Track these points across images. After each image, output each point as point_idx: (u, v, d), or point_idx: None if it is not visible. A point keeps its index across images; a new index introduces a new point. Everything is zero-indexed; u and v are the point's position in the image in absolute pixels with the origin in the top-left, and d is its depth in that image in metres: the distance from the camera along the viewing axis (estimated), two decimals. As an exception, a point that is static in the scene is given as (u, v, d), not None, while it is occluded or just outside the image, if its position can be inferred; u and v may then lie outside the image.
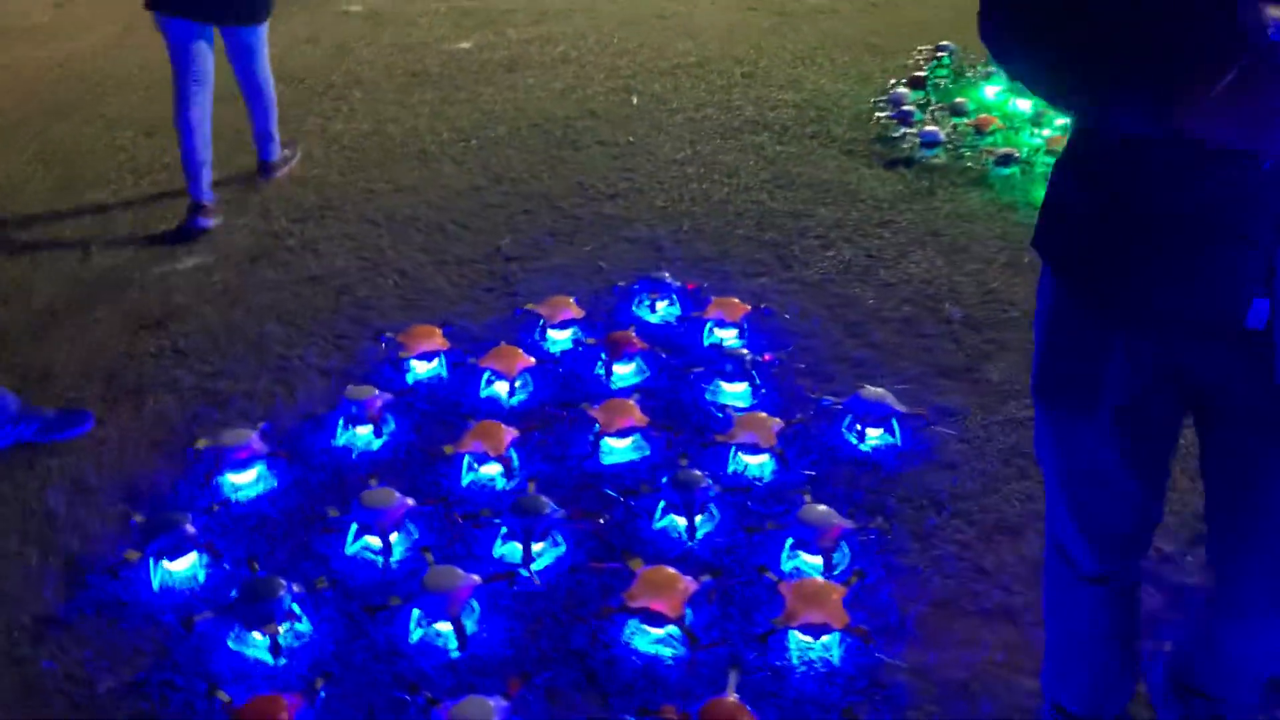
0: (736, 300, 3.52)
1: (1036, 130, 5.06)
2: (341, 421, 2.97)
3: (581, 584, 2.48)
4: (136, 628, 2.37)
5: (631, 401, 2.97)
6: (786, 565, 2.50)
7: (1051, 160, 4.48)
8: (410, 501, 2.60)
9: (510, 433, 2.84)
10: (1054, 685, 1.93)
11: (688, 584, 2.33)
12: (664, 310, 3.58)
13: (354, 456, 2.92)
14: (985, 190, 4.59)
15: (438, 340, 3.31)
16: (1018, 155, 4.74)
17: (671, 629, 2.27)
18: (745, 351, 3.19)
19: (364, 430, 2.96)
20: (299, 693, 2.11)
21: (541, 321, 3.45)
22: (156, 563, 2.45)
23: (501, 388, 3.16)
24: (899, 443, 2.92)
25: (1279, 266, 1.24)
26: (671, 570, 2.37)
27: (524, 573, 2.45)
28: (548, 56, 6.60)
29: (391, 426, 2.98)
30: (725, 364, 3.14)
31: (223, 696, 2.12)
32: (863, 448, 2.91)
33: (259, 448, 2.80)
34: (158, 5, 3.94)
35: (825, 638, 2.24)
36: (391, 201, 4.58)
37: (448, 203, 4.58)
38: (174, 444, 2.99)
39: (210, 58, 4.13)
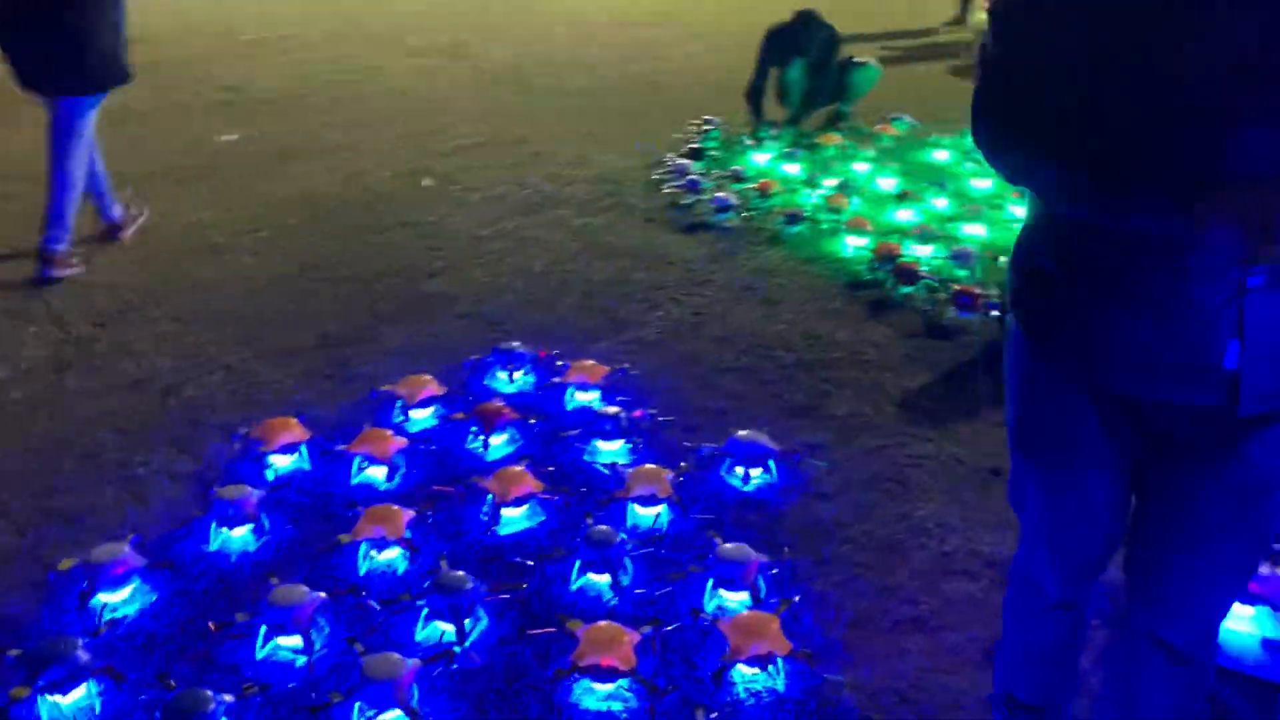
0: (593, 362, 3.60)
1: (812, 190, 5.50)
2: (214, 525, 2.79)
3: (516, 655, 2.45)
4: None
5: (521, 468, 2.97)
6: (710, 605, 2.58)
7: (834, 217, 4.92)
8: (321, 595, 2.48)
9: (407, 514, 2.77)
10: (1007, 680, 2.08)
11: (631, 636, 2.36)
12: (521, 379, 3.61)
13: (233, 560, 2.75)
14: (781, 247, 4.94)
15: (297, 431, 3.18)
16: (804, 214, 5.13)
17: (623, 682, 2.29)
18: (618, 410, 3.27)
19: (240, 531, 2.80)
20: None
21: (400, 402, 3.39)
22: (45, 697, 2.20)
23: (376, 472, 3.07)
24: (776, 480, 3.08)
25: (1247, 315, 1.44)
26: (614, 625, 2.39)
27: (457, 649, 2.39)
28: (322, 144, 6.49)
29: (267, 524, 2.83)
30: (603, 424, 3.21)
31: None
32: (746, 489, 3.05)
33: (135, 562, 2.59)
34: None
35: (771, 667, 2.33)
36: (195, 298, 4.35)
37: (256, 294, 4.40)
38: (25, 571, 2.69)
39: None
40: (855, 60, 6.76)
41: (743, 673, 2.35)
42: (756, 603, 2.53)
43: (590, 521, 2.80)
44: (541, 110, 7.31)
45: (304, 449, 3.15)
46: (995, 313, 4.11)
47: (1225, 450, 1.56)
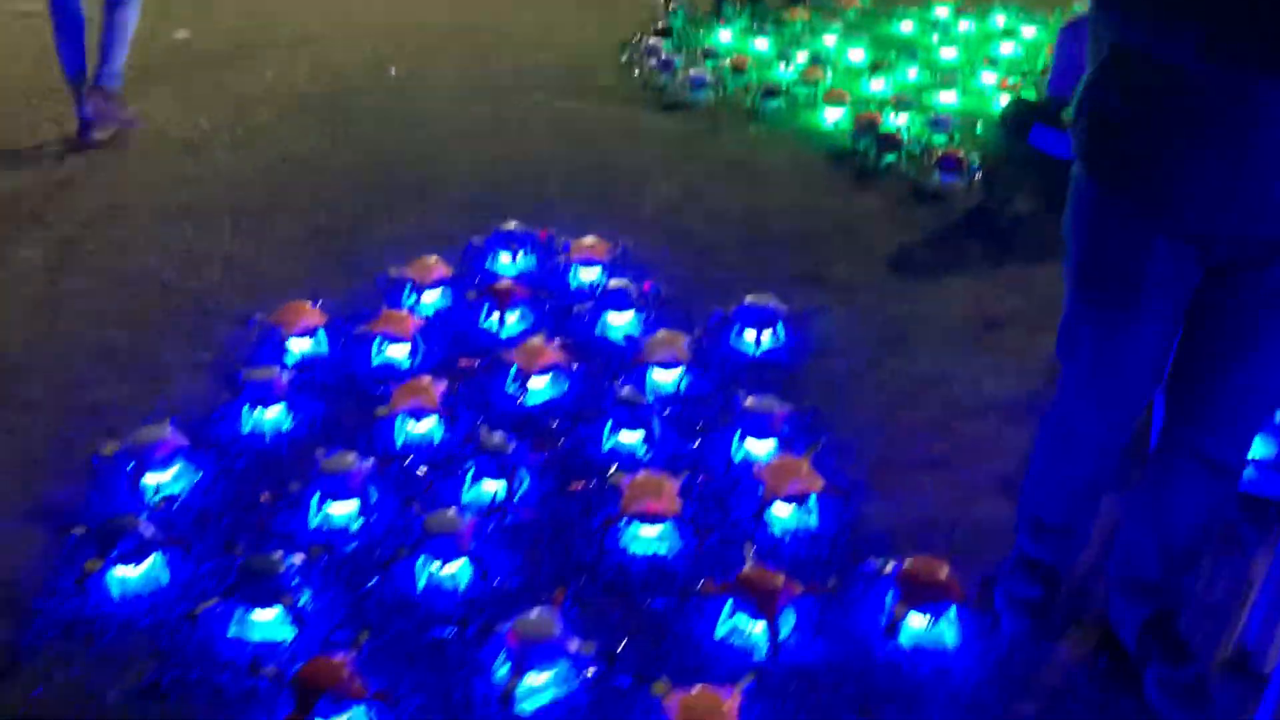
0: (595, 239, 3.65)
1: (785, 64, 5.52)
2: (246, 406, 2.85)
3: (560, 509, 2.56)
4: (118, 638, 2.20)
5: (541, 340, 3.05)
6: (737, 457, 2.70)
7: (810, 90, 4.95)
8: (370, 461, 2.56)
9: (440, 386, 2.84)
10: (1034, 506, 2.21)
11: (673, 483, 2.48)
12: (524, 259, 3.65)
13: (269, 439, 2.82)
14: (760, 122, 4.98)
15: (314, 315, 3.22)
16: (780, 88, 5.16)
17: (667, 526, 2.42)
18: (627, 283, 3.34)
19: (274, 411, 2.86)
20: (344, 651, 2.07)
21: (409, 285, 3.43)
22: (115, 570, 2.28)
23: (397, 351, 3.13)
24: (784, 341, 3.19)
25: None
26: (655, 473, 2.51)
27: (506, 507, 2.50)
28: (280, 37, 6.32)
29: (296, 405, 2.89)
30: (614, 297, 3.28)
31: (268, 670, 2.05)
32: (758, 351, 3.15)
33: (179, 441, 2.64)
34: None
35: (806, 504, 2.47)
36: (178, 196, 4.29)
37: (242, 189, 4.36)
38: (66, 459, 2.74)
39: None
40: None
41: (779, 513, 2.49)
42: (784, 449, 2.65)
43: (617, 384, 2.89)
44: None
45: (322, 333, 3.18)
46: (978, 176, 4.21)
47: None
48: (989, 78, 5.35)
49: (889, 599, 2.20)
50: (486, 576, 2.29)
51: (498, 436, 2.61)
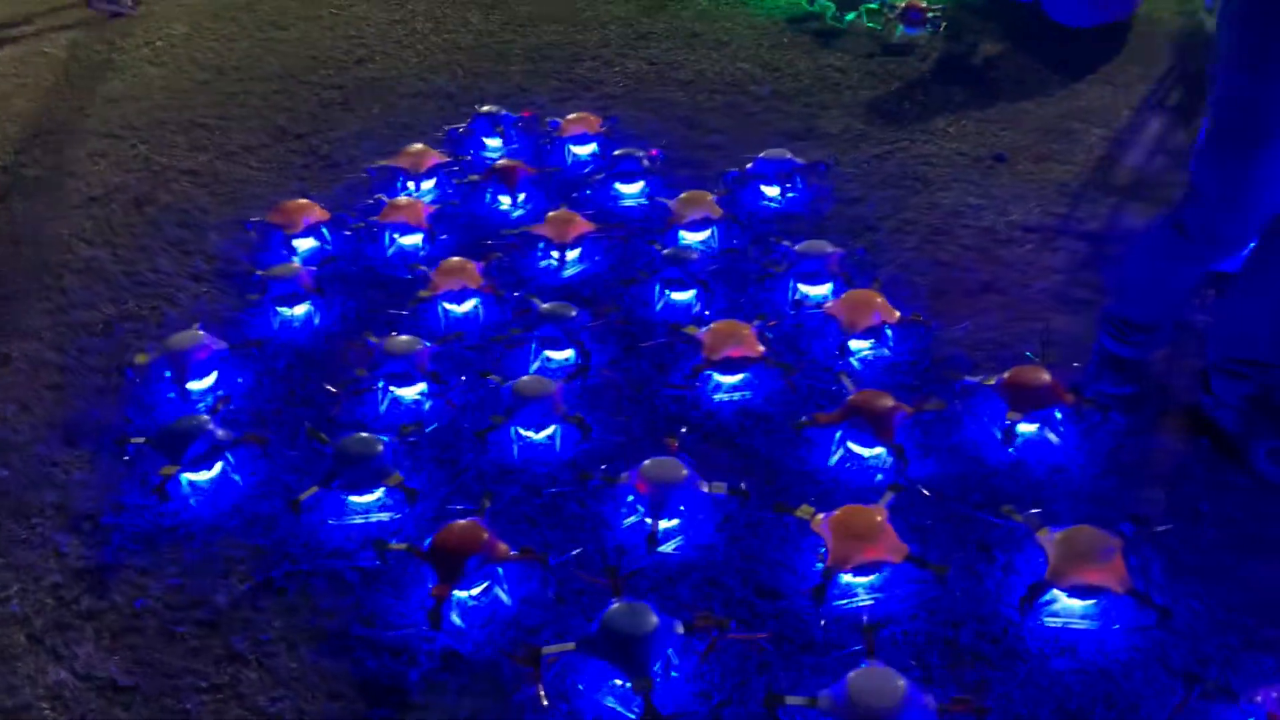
0: (585, 114, 3.53)
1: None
2: (273, 306, 2.69)
3: (633, 369, 2.50)
4: (208, 542, 2.07)
5: (565, 211, 2.95)
6: (796, 298, 2.67)
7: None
8: (427, 344, 2.45)
9: (475, 265, 2.73)
10: (1124, 307, 2.25)
11: (748, 328, 2.44)
12: (511, 141, 3.52)
13: (304, 336, 2.67)
14: (706, -6, 4.87)
15: (316, 211, 3.04)
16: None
17: (750, 372, 2.38)
18: (632, 151, 3.25)
19: (301, 308, 2.70)
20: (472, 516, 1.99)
21: (402, 176, 3.27)
22: (187, 475, 2.14)
23: (410, 240, 2.99)
24: (803, 193, 3.16)
25: None
26: (730, 321, 2.46)
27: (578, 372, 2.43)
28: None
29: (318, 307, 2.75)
30: (623, 166, 3.18)
31: (396, 546, 1.95)
32: (774, 204, 3.11)
33: (216, 345, 2.48)
34: None
35: (883, 335, 2.46)
36: (117, 112, 3.98)
37: (181, 101, 4.06)
38: (88, 381, 2.54)
39: None
40: None
41: (858, 346, 2.47)
42: (842, 289, 2.63)
43: (658, 247, 2.82)
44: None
45: (325, 229, 3.02)
46: (942, 25, 4.22)
47: None
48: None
49: (997, 410, 2.21)
50: (589, 435, 2.22)
51: (561, 304, 2.52)
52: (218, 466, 2.18)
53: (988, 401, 2.25)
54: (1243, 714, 1.60)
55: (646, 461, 2.04)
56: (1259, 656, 1.76)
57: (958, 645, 1.80)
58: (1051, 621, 1.83)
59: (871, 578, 1.88)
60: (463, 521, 1.93)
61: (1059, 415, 2.20)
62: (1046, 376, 2.21)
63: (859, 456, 2.17)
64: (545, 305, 2.54)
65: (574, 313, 2.50)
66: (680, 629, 1.75)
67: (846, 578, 1.87)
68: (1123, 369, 2.29)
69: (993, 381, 2.25)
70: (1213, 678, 1.70)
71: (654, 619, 1.71)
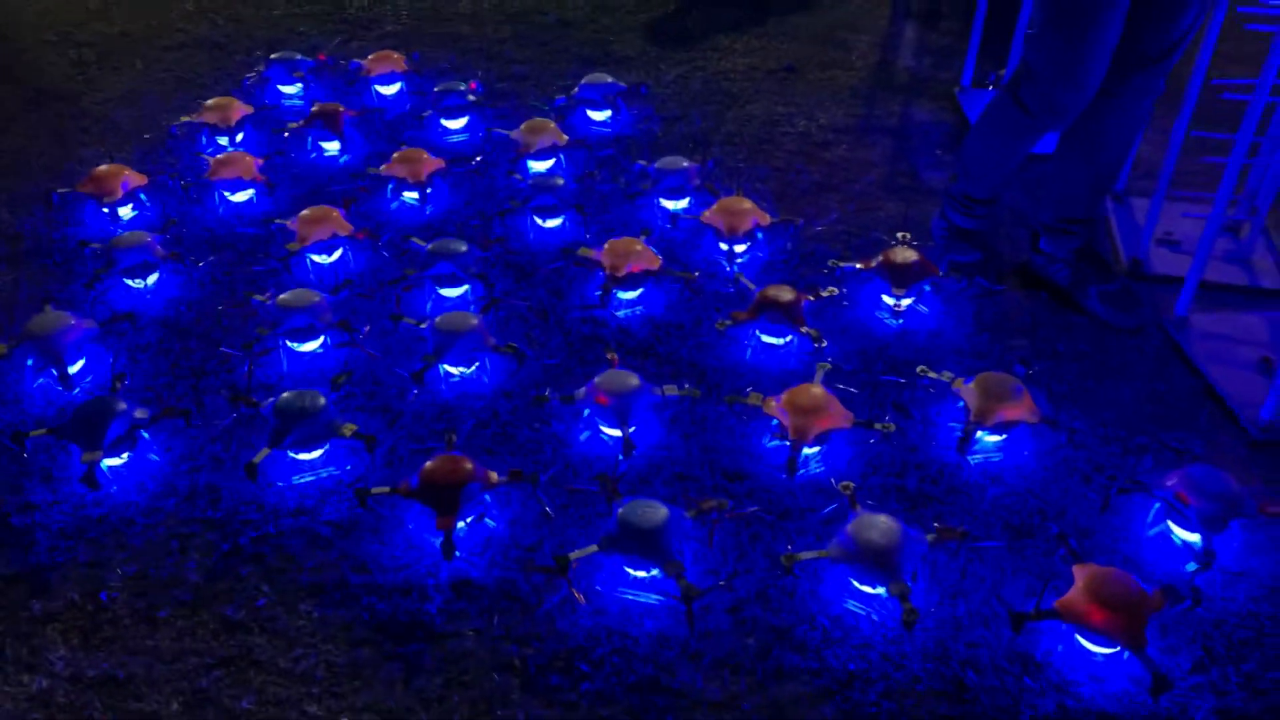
0: (389, 53, 3.46)
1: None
2: (125, 278, 2.49)
3: (529, 297, 2.54)
4: (151, 524, 1.95)
5: (413, 150, 2.91)
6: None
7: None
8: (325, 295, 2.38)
9: (339, 211, 2.65)
10: (966, 186, 2.56)
11: (640, 243, 2.55)
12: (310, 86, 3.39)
13: (165, 308, 2.50)
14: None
15: (132, 176, 2.82)
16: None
17: (642, 289, 2.50)
18: (459, 84, 3.23)
19: (153, 278, 2.53)
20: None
21: (206, 132, 3.08)
22: (104, 460, 1.99)
23: (242, 195, 2.85)
24: (623, 114, 3.28)
25: None
26: (625, 239, 2.56)
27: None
28: None
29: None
30: (447, 100, 3.17)
31: (379, 490, 1.93)
32: (605, 128, 3.22)
33: (86, 326, 2.29)
34: None
35: (756, 238, 2.65)
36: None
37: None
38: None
39: None
40: None
41: (740, 249, 2.64)
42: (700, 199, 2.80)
43: (517, 177, 2.85)
44: None
45: (142, 194, 2.80)
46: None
47: None
48: None
49: (877, 289, 2.47)
50: (524, 361, 2.26)
51: (445, 243, 2.52)
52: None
53: (868, 283, 2.50)
54: (1155, 499, 1.94)
55: (600, 375, 2.12)
56: (1140, 458, 2.12)
57: (908, 491, 2.04)
58: (975, 459, 2.11)
59: (821, 447, 2.07)
60: (443, 455, 1.93)
61: (927, 289, 2.48)
62: (915, 255, 2.48)
63: (769, 345, 2.35)
64: (433, 244, 2.52)
65: (464, 248, 2.50)
66: (689, 514, 1.87)
67: (807, 449, 2.05)
68: (970, 239, 2.61)
69: (872, 265, 2.49)
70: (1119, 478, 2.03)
71: (665, 509, 1.81)
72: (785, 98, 3.42)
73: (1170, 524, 1.90)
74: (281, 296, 2.31)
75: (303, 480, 2.03)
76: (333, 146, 3.05)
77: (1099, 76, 2.23)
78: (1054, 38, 2.23)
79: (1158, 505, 1.92)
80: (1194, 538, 1.86)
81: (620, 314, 2.47)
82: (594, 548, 1.80)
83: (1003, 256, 2.67)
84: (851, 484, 1.95)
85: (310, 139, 3.06)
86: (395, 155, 2.86)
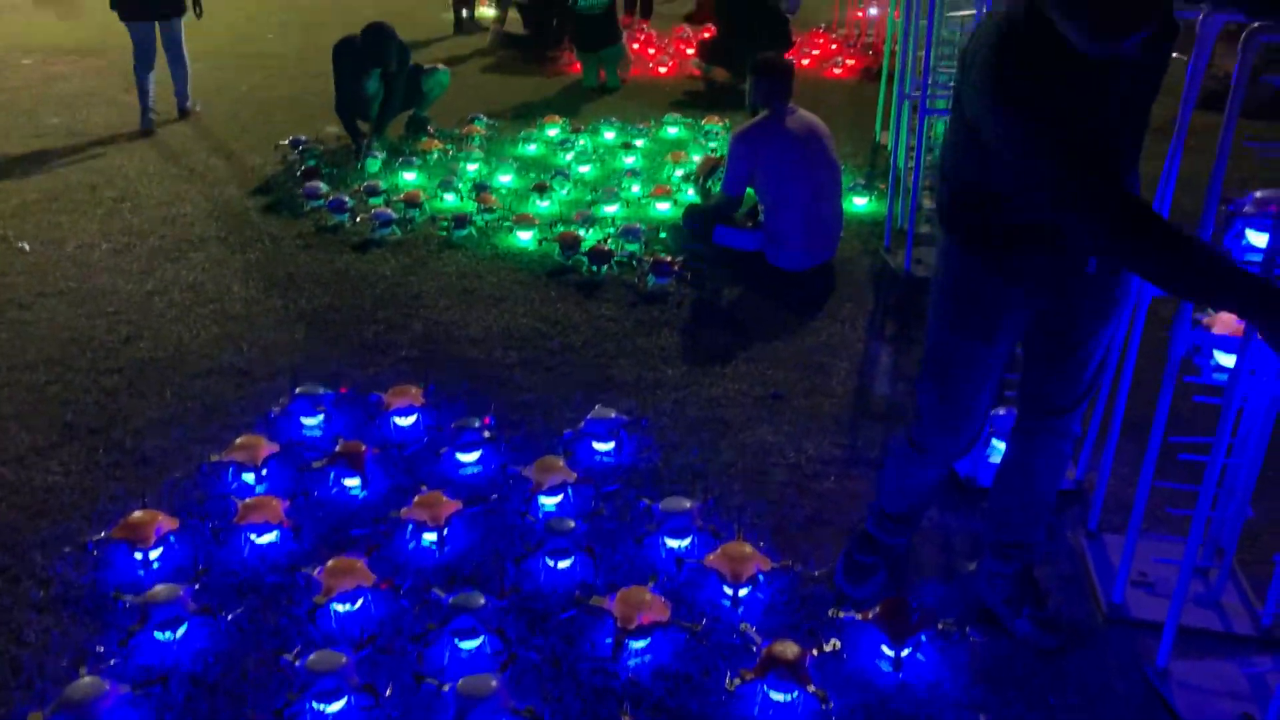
0: (407, 387, 3.72)
1: (457, 195, 5.82)
2: (155, 633, 2.60)
3: (543, 646, 2.66)
4: None
5: (434, 494, 3.10)
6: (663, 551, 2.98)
7: (492, 216, 5.30)
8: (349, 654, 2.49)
9: (362, 560, 2.80)
10: (881, 499, 2.83)
11: (648, 591, 2.70)
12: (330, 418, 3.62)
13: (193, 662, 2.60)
14: (462, 251, 5.23)
15: (165, 521, 2.98)
16: (468, 217, 5.44)
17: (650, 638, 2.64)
18: (474, 421, 3.47)
19: (182, 630, 2.64)
20: None
21: (233, 468, 3.27)
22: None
23: (267, 538, 3.00)
24: (628, 445, 3.51)
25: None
26: (635, 588, 2.71)
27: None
28: None
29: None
30: (464, 438, 3.40)
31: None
32: (608, 459, 3.44)
33: (121, 691, 2.37)
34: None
35: (752, 587, 2.81)
36: None
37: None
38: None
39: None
40: (425, 67, 7.09)
41: (742, 595, 2.80)
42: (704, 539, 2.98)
43: (530, 519, 3.03)
44: (99, 155, 6.72)
45: (172, 538, 2.95)
46: (687, 275, 4.83)
47: (1094, 285, 2.35)
48: (634, 188, 6.04)
49: (876, 639, 2.61)
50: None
51: (464, 597, 2.66)
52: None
53: (867, 634, 2.65)
54: None
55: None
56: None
57: None
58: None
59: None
60: None
61: (923, 639, 2.63)
62: (911, 606, 2.64)
63: (777, 703, 2.46)
64: (452, 599, 2.65)
65: (482, 600, 2.64)
66: None
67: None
68: (874, 545, 2.87)
69: (870, 616, 2.65)
70: None
71: None
72: (775, 426, 3.67)
73: None
74: (309, 659, 2.41)
75: None
76: (354, 483, 3.23)
77: (975, 425, 2.54)
78: (930, 390, 2.55)
79: None
80: None
81: (631, 663, 2.58)
82: None
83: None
84: None
85: (333, 475, 3.24)
86: (416, 500, 3.04)
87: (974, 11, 4.38)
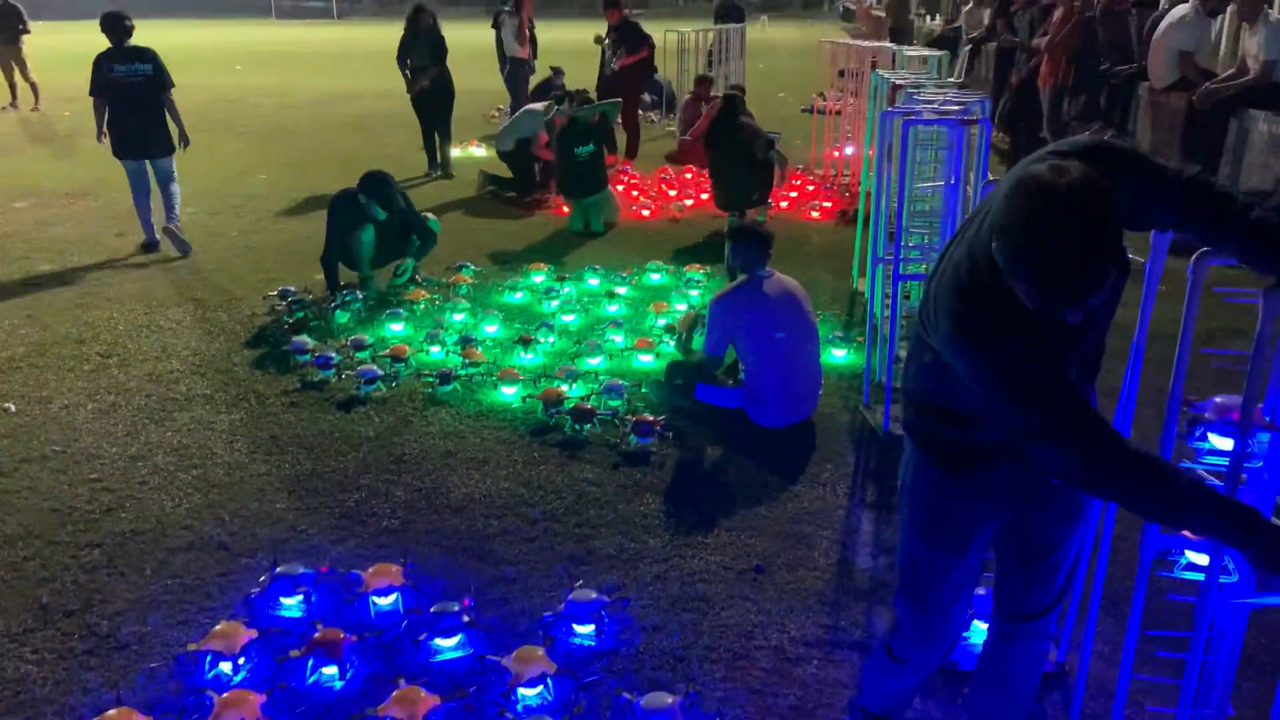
0: (387, 565, 3.71)
1: (442, 348, 5.90)
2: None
3: None
4: None
5: (411, 689, 3.07)
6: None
7: (476, 370, 5.38)
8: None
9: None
10: (862, 698, 2.84)
11: None
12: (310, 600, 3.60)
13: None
14: (445, 408, 5.28)
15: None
16: (453, 373, 5.51)
17: None
18: (453, 605, 3.46)
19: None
20: None
21: (211, 656, 3.24)
22: None
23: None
24: (608, 628, 3.50)
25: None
26: None
27: None
28: None
29: None
30: (444, 623, 3.38)
31: None
32: (589, 643, 3.42)
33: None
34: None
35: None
36: None
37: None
38: None
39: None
40: (422, 214, 7.28)
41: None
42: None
43: (508, 716, 3.00)
44: (89, 306, 6.81)
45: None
46: (669, 434, 4.87)
47: (1061, 492, 2.40)
48: (617, 339, 6.13)
49: None
50: None
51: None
52: None
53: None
54: None
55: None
56: None
57: None
58: None
59: None
60: None
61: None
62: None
63: None
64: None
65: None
66: None
67: None
68: None
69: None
70: None
71: None
72: (758, 604, 3.66)
73: None
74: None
75: None
76: (332, 671, 3.20)
77: (954, 631, 2.57)
78: (908, 605, 2.58)
79: None
80: None
81: None
82: None
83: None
84: None
85: (311, 663, 3.21)
86: (393, 695, 3.01)
87: (943, 183, 4.55)
